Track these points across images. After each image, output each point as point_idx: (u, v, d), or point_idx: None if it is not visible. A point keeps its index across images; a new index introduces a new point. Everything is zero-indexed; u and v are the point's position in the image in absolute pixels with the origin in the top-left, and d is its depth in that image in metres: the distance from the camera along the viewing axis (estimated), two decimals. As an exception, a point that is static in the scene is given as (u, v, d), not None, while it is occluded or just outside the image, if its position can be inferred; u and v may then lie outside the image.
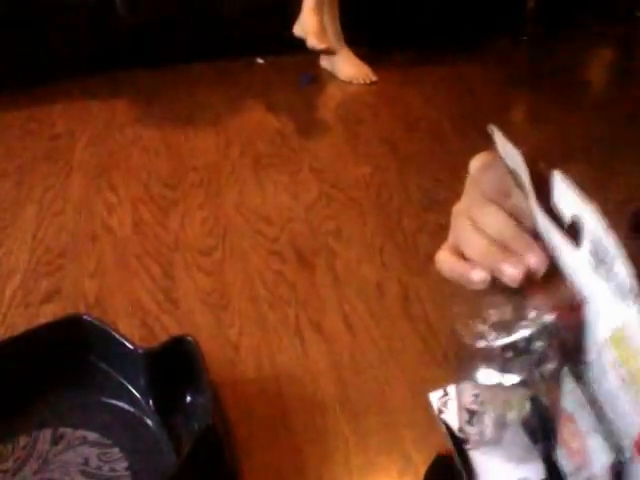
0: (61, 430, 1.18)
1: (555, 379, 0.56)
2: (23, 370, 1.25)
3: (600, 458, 0.52)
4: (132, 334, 1.39)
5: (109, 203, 1.91)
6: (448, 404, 0.71)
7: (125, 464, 1.12)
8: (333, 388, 1.28)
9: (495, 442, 0.63)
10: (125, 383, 1.26)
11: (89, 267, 1.65)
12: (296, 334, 1.41)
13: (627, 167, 2.00)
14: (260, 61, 2.87)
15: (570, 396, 0.55)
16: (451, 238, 0.63)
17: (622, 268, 0.50)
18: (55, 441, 1.16)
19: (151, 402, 1.21)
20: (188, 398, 1.21)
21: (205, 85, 2.67)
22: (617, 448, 0.52)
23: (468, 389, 0.63)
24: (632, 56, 2.99)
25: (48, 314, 1.49)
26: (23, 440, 1.16)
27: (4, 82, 2.54)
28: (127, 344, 1.24)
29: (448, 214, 1.76)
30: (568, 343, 0.55)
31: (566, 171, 0.57)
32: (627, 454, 0.51)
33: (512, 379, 0.57)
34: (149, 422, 1.19)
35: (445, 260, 0.63)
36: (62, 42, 2.67)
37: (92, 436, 1.17)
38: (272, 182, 1.98)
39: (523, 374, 0.57)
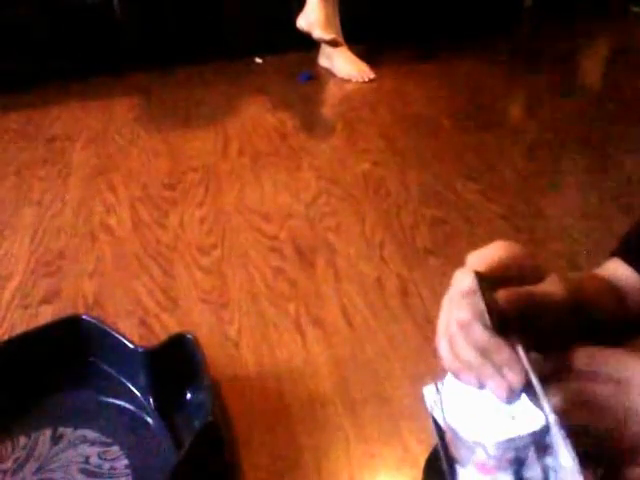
0: (61, 430, 1.18)
1: None
2: (23, 371, 1.25)
3: None
4: (132, 333, 1.39)
5: (108, 204, 1.91)
6: (439, 401, 0.71)
7: (125, 462, 1.12)
8: (333, 382, 1.27)
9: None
10: (125, 382, 1.26)
11: (88, 267, 1.65)
12: (296, 330, 1.41)
13: (621, 156, 2.01)
14: (259, 61, 2.87)
15: None
16: (444, 330, 0.70)
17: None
18: (55, 441, 1.16)
19: (151, 400, 1.21)
20: (188, 395, 1.21)
21: (204, 85, 2.67)
22: None
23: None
24: (627, 50, 2.98)
25: (47, 315, 1.49)
26: (23, 440, 1.16)
27: (1, 83, 2.54)
28: (127, 343, 1.24)
29: (446, 208, 1.78)
30: None
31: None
32: None
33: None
34: (149, 420, 1.19)
35: (445, 355, 0.68)
36: (61, 43, 2.66)
37: (92, 435, 1.17)
38: (271, 180, 1.98)
39: None
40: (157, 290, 1.56)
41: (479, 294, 0.63)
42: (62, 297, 1.55)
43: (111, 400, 1.24)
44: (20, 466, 1.12)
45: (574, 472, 0.57)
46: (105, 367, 1.28)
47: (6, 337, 1.40)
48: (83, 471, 1.11)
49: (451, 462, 0.65)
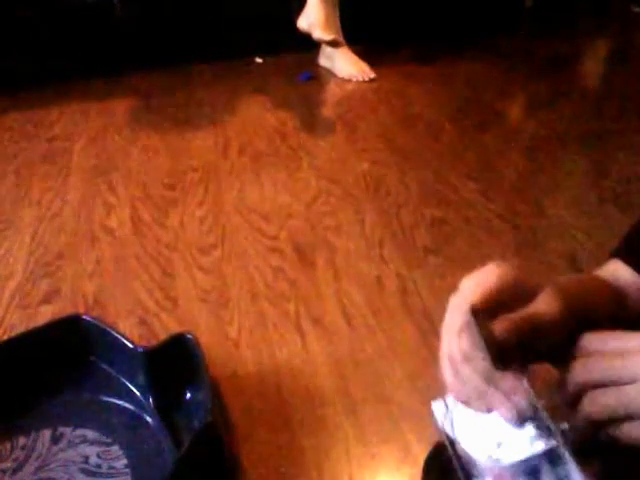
0: (60, 429, 1.18)
1: None
2: (23, 370, 1.25)
3: None
4: (131, 333, 1.39)
5: (108, 203, 1.91)
6: (450, 419, 0.72)
7: (125, 462, 1.12)
8: (333, 382, 1.27)
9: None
10: (125, 382, 1.26)
11: (88, 267, 1.65)
12: (296, 329, 1.41)
13: (621, 155, 2.01)
14: (259, 60, 2.87)
15: None
16: (447, 361, 0.72)
17: None
18: (55, 440, 1.16)
19: (151, 400, 1.21)
20: (188, 395, 1.21)
21: (204, 85, 2.67)
22: None
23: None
24: (627, 50, 2.98)
25: (47, 315, 1.48)
26: (22, 440, 1.16)
27: (1, 83, 2.54)
28: (126, 343, 1.24)
29: (445, 208, 1.78)
30: None
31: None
32: None
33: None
34: (149, 420, 1.19)
35: (453, 384, 0.71)
36: (61, 43, 2.67)
37: (92, 434, 1.17)
38: (271, 180, 1.98)
39: None
40: (157, 290, 1.56)
41: (476, 329, 0.65)
42: (62, 297, 1.55)
43: (111, 400, 1.24)
44: (19, 466, 1.12)
45: None
46: (105, 367, 1.28)
47: (6, 337, 1.40)
48: (83, 471, 1.11)
49: (468, 475, 0.67)
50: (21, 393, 1.23)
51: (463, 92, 2.51)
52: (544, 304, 0.67)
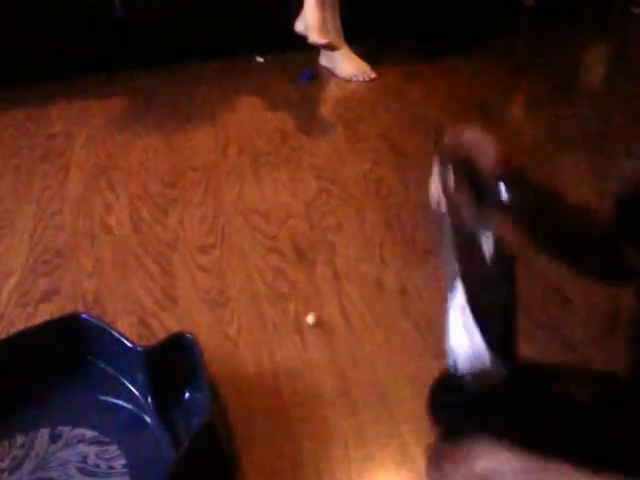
0: (59, 428, 1.18)
1: None
2: (21, 369, 1.25)
3: None
4: (131, 332, 1.39)
5: (108, 202, 1.90)
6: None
7: (123, 461, 1.12)
8: (332, 382, 1.27)
9: None
10: (124, 381, 1.26)
11: (87, 266, 1.64)
12: (295, 330, 1.41)
13: (622, 157, 2.00)
14: (260, 60, 2.86)
15: None
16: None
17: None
18: (53, 439, 1.16)
19: (150, 399, 1.21)
20: (187, 394, 1.21)
21: (204, 84, 2.66)
22: None
23: None
24: (627, 51, 2.98)
25: (46, 313, 1.48)
26: (20, 439, 1.16)
27: (1, 82, 2.54)
28: (125, 342, 1.24)
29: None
30: None
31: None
32: None
33: None
34: (148, 419, 1.19)
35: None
36: (61, 42, 2.66)
37: (90, 434, 1.17)
38: (271, 180, 1.98)
39: None
40: (156, 289, 1.55)
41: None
42: (61, 295, 1.55)
43: (109, 399, 1.24)
44: (18, 465, 1.12)
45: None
46: (104, 366, 1.28)
47: (4, 335, 1.40)
48: (81, 470, 1.11)
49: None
50: (19, 392, 1.23)
51: (463, 92, 2.50)
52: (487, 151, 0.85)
